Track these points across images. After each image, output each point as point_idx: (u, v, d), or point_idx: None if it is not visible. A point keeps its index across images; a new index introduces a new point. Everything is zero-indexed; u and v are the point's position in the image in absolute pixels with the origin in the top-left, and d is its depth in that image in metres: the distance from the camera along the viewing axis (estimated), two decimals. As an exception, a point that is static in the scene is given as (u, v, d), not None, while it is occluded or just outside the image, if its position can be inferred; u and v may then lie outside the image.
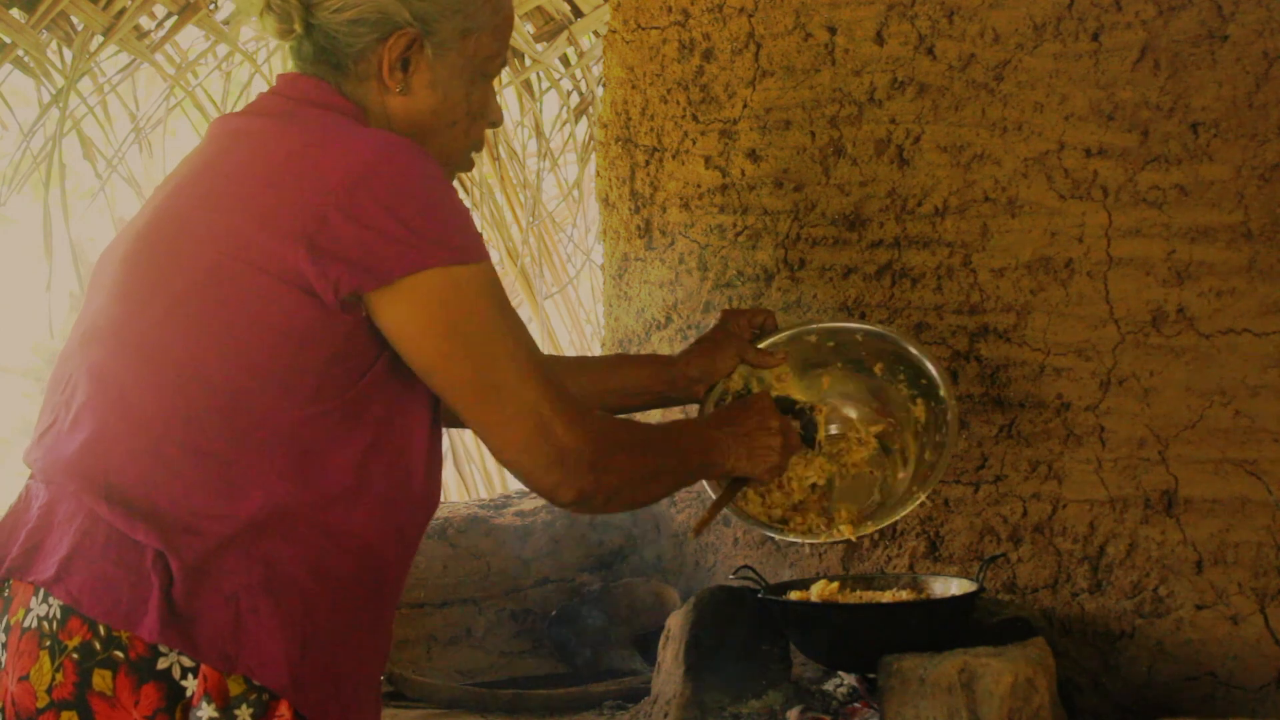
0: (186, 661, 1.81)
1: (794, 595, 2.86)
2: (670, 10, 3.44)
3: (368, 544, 1.90)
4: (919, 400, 2.74)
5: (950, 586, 2.82)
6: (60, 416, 1.92)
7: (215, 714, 1.80)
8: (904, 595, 2.84)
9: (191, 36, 5.57)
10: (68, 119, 5.29)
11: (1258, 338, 2.83)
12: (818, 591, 2.85)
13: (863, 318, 3.12)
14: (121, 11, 5.19)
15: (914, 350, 2.74)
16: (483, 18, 2.05)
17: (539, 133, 6.09)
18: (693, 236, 3.42)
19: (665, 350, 3.48)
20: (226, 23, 5.46)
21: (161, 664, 1.81)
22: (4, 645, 1.88)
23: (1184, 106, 2.86)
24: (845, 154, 3.17)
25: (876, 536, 3.14)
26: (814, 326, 2.79)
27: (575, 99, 6.08)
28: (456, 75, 2.05)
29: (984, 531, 3.06)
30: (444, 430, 2.05)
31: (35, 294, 5.64)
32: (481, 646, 3.68)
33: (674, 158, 3.44)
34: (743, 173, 3.31)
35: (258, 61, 5.56)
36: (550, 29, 5.89)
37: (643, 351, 3.55)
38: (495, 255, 6.00)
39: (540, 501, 3.85)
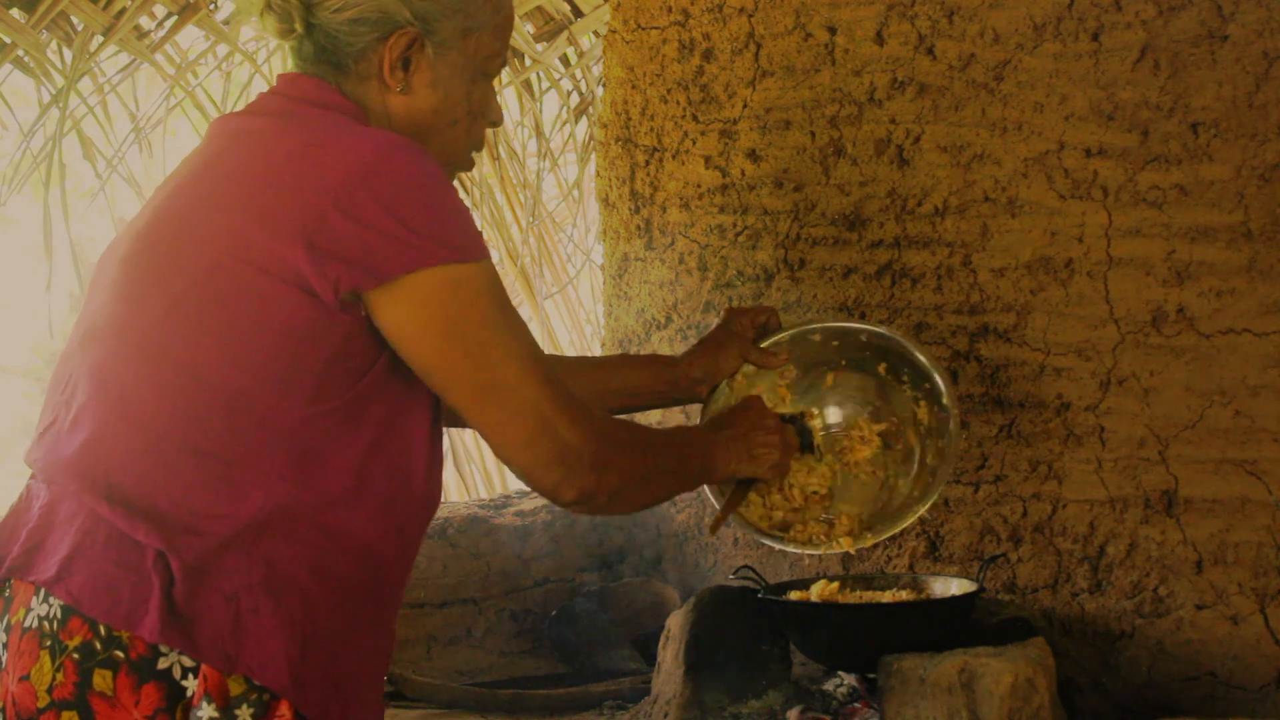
0: (187, 661, 1.81)
1: (794, 595, 2.86)
2: (670, 10, 3.44)
3: (368, 544, 1.90)
4: (922, 402, 2.74)
5: (950, 586, 2.82)
6: (60, 416, 1.92)
7: (216, 714, 1.80)
8: (904, 595, 2.84)
9: (191, 36, 5.57)
10: (68, 119, 5.29)
11: (1258, 338, 2.83)
12: (818, 591, 2.85)
13: (863, 318, 3.12)
14: (121, 11, 5.19)
15: (919, 355, 2.73)
16: (483, 17, 2.05)
17: (539, 133, 6.09)
18: (693, 236, 3.42)
19: (665, 350, 3.48)
20: (226, 23, 5.46)
21: (162, 664, 1.81)
22: (5, 645, 1.88)
23: (1184, 106, 2.86)
24: (845, 154, 3.17)
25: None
26: (818, 326, 2.79)
27: (575, 99, 6.09)
28: (457, 74, 2.05)
29: (984, 531, 3.06)
30: (444, 430, 2.05)
31: (35, 294, 5.64)
32: (481, 646, 3.68)
33: (674, 158, 3.44)
34: (743, 173, 3.31)
35: (258, 61, 5.56)
36: (550, 29, 5.90)
37: (643, 351, 3.55)
38: (495, 255, 6.00)
39: (540, 501, 3.85)
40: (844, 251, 3.18)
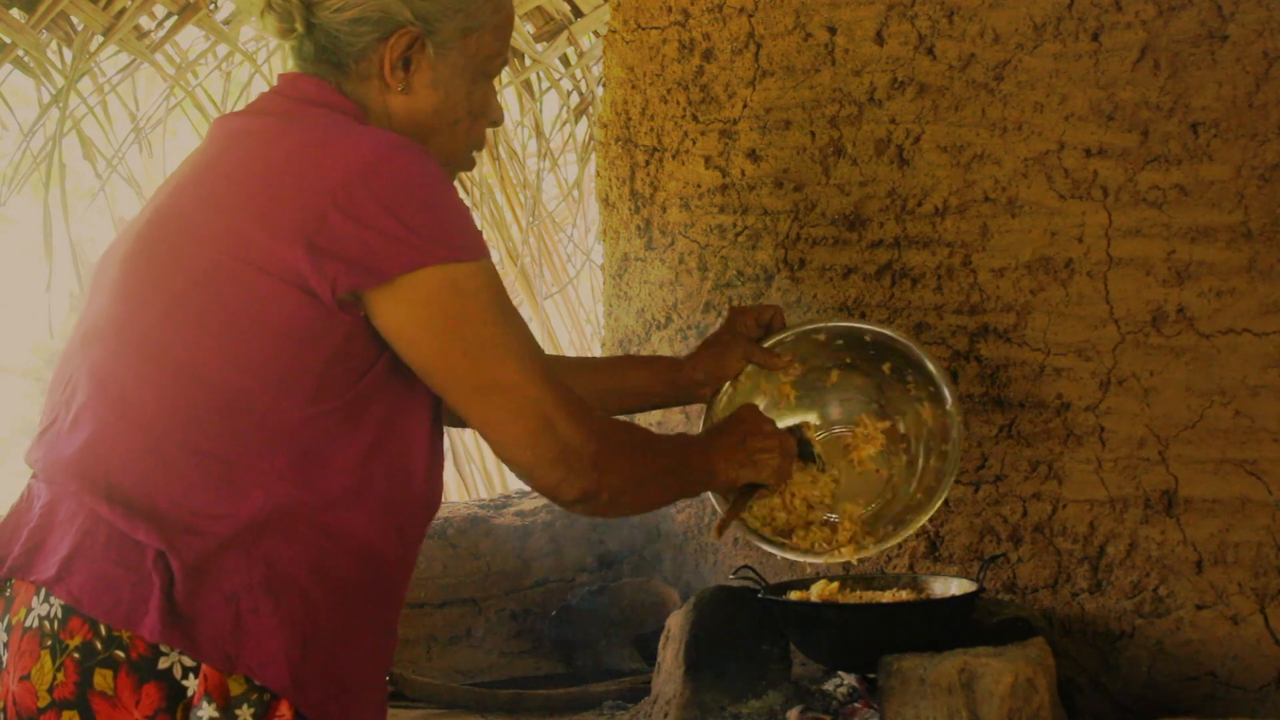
0: (187, 661, 1.81)
1: (794, 595, 2.86)
2: (670, 10, 3.44)
3: (368, 544, 1.90)
4: (926, 403, 2.73)
5: (950, 586, 2.82)
6: (60, 416, 1.92)
7: (216, 714, 1.80)
8: (904, 595, 2.84)
9: (191, 36, 5.57)
10: (68, 119, 5.28)
11: (1258, 338, 2.84)
12: (818, 591, 2.85)
13: (863, 318, 3.12)
14: (121, 11, 5.19)
15: (923, 356, 2.73)
16: (484, 16, 2.05)
17: (539, 133, 6.09)
18: (693, 236, 3.42)
19: (665, 350, 3.48)
20: (226, 23, 5.46)
21: (162, 664, 1.81)
22: (5, 645, 1.88)
23: (1184, 106, 2.86)
24: (845, 154, 3.18)
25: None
26: (822, 325, 2.78)
27: (575, 99, 6.08)
28: (458, 74, 2.05)
29: (984, 531, 3.06)
30: (444, 430, 2.05)
31: (35, 294, 5.64)
32: (481, 646, 3.68)
33: (674, 158, 3.44)
34: (743, 173, 3.31)
35: (258, 61, 5.56)
36: (550, 29, 5.89)
37: (643, 352, 3.55)
38: (495, 255, 6.00)
39: (540, 501, 3.85)
40: (844, 251, 3.18)
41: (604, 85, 3.72)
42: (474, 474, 6.14)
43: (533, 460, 1.94)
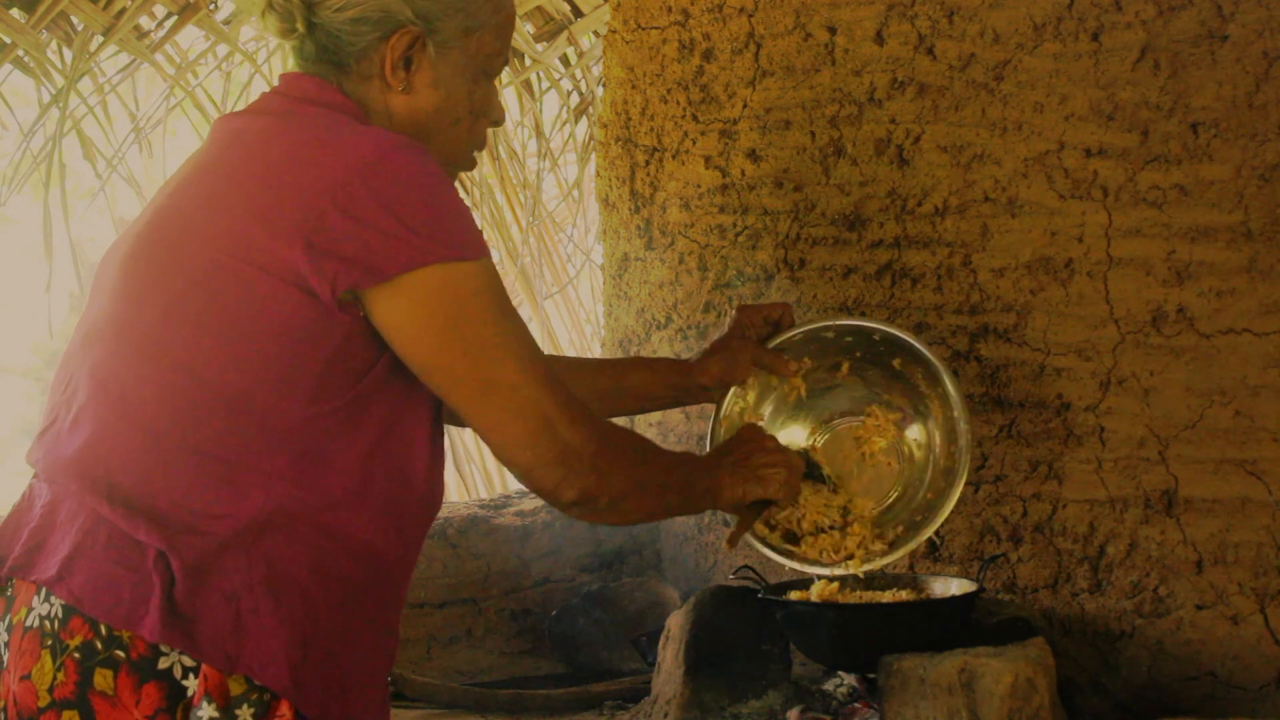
0: (188, 661, 1.81)
1: (794, 595, 2.86)
2: (670, 10, 3.44)
3: (369, 545, 1.90)
4: (935, 402, 2.73)
5: (950, 586, 2.82)
6: (61, 416, 1.93)
7: (216, 714, 1.80)
8: (904, 595, 2.84)
9: (191, 36, 5.56)
10: (68, 119, 5.28)
11: (1258, 338, 2.84)
12: (818, 591, 2.85)
13: (863, 318, 3.12)
14: (121, 11, 5.19)
15: (931, 358, 2.72)
16: (485, 16, 2.05)
17: (539, 133, 6.09)
18: (693, 236, 3.42)
19: (665, 350, 3.48)
20: (226, 23, 5.46)
21: (163, 663, 1.81)
22: (6, 644, 1.88)
23: (1184, 106, 2.86)
24: (845, 154, 3.18)
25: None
26: (831, 324, 2.78)
27: (575, 99, 6.08)
28: (459, 74, 2.05)
29: (984, 531, 3.06)
30: (445, 430, 2.05)
31: (35, 294, 5.64)
32: (481, 646, 3.68)
33: (674, 158, 3.44)
34: (743, 173, 3.31)
35: (258, 61, 5.56)
36: (550, 29, 5.89)
37: (643, 352, 3.55)
38: (495, 255, 6.00)
39: (540, 501, 3.84)
40: (844, 251, 3.18)
41: (604, 85, 3.72)
42: (474, 474, 6.14)
43: (532, 460, 1.93)
